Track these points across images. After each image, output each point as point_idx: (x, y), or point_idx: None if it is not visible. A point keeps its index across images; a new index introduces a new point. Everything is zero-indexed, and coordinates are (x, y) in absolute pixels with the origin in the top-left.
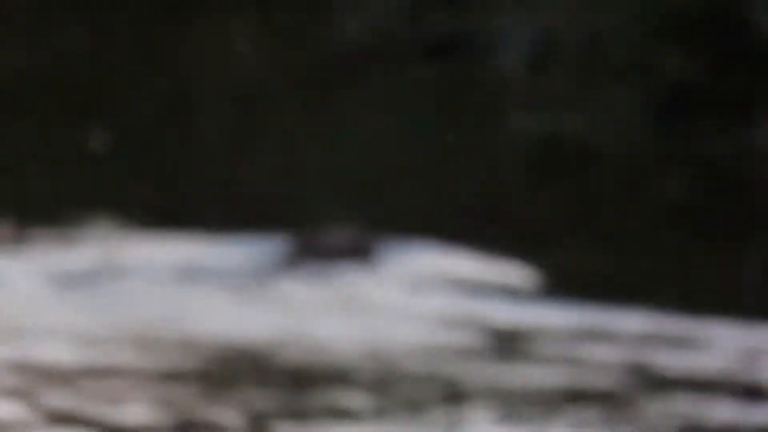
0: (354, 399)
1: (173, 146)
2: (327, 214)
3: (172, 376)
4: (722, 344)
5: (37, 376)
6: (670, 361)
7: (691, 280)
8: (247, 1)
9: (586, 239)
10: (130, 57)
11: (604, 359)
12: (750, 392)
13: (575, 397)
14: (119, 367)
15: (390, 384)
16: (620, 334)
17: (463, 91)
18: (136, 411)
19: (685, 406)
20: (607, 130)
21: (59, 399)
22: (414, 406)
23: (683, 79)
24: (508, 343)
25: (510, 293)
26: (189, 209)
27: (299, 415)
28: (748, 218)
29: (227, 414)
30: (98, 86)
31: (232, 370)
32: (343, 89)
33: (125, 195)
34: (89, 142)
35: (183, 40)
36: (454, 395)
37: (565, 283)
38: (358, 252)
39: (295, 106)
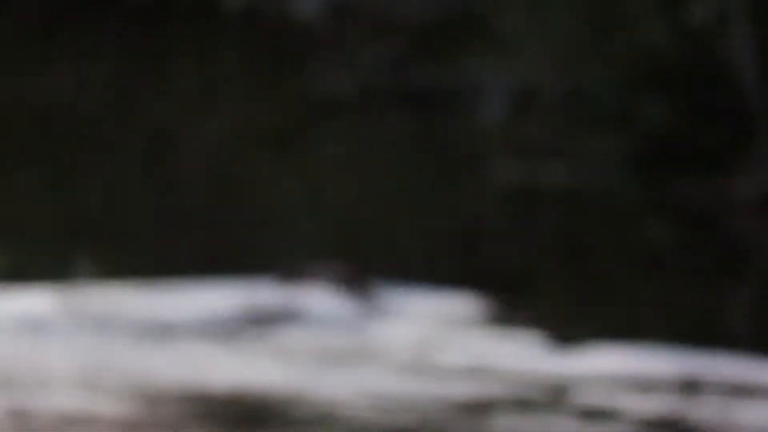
0: None
1: (151, 192)
2: (306, 257)
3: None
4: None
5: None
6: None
7: (674, 318)
8: (227, 49)
9: (568, 281)
10: (109, 103)
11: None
12: None
13: None
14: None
15: None
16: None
17: (443, 141)
18: None
19: None
20: (586, 178)
21: None
22: None
23: (663, 129)
24: (531, 393)
25: (519, 340)
26: (170, 257)
27: None
28: (724, 262)
29: None
30: (75, 129)
31: (238, 423)
32: (323, 138)
33: (103, 242)
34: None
35: (162, 86)
36: None
37: (561, 327)
38: (356, 289)
39: (273, 154)
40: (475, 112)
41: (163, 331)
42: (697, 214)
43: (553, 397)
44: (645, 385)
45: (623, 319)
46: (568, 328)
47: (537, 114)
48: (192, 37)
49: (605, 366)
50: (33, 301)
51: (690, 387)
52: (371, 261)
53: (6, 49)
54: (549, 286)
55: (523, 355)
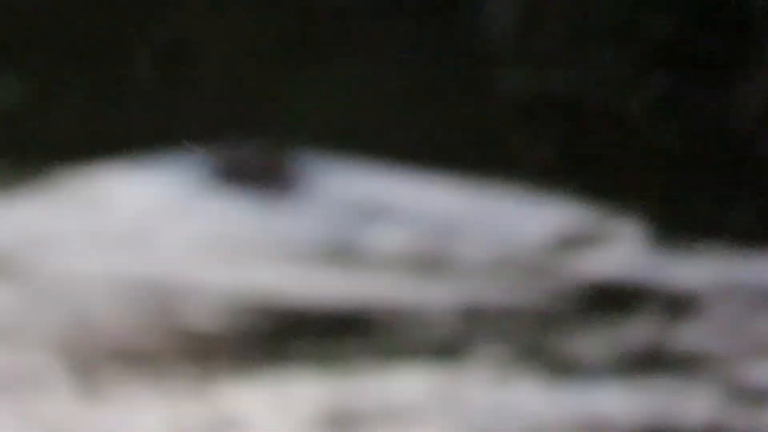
0: None
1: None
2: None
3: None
4: None
5: None
6: None
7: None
8: None
9: (578, 182)
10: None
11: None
12: None
13: None
14: None
15: None
16: None
17: (450, 48)
18: None
19: None
20: (594, 86)
21: None
22: None
23: (668, 37)
24: None
25: None
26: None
27: None
28: (732, 164)
29: None
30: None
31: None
32: (330, 45)
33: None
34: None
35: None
36: None
37: None
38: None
39: (281, 59)
40: (483, 19)
41: None
42: (703, 118)
43: None
44: None
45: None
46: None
47: (543, 23)
48: None
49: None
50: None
51: None
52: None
53: None
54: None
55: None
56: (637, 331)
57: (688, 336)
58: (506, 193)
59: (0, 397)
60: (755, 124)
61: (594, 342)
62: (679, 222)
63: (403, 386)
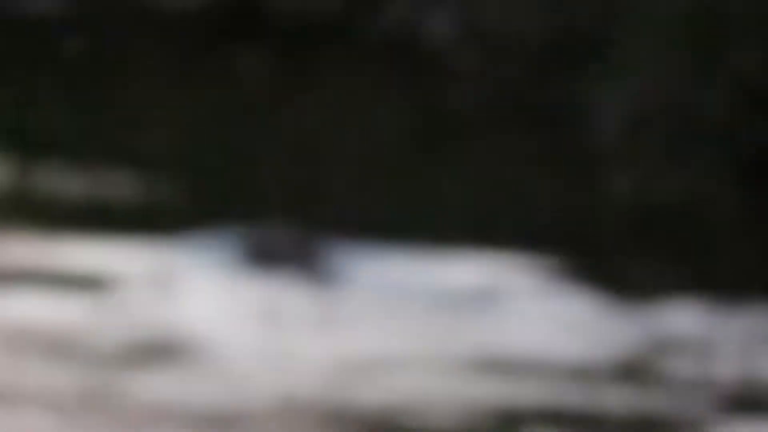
0: None
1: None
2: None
3: None
4: None
5: None
6: None
7: None
8: (366, 70)
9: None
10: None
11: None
12: None
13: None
14: None
15: None
16: None
17: (561, 155)
18: None
19: None
20: (696, 191)
21: None
22: None
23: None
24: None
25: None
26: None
27: None
28: None
29: None
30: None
31: None
32: (453, 145)
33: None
34: None
35: (310, 99)
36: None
37: None
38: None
39: (407, 159)
40: (591, 128)
41: None
42: None
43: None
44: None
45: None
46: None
47: (649, 130)
48: (332, 58)
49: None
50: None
51: None
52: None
53: (170, 69)
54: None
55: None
56: None
57: None
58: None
59: None
60: None
61: None
62: None
63: None
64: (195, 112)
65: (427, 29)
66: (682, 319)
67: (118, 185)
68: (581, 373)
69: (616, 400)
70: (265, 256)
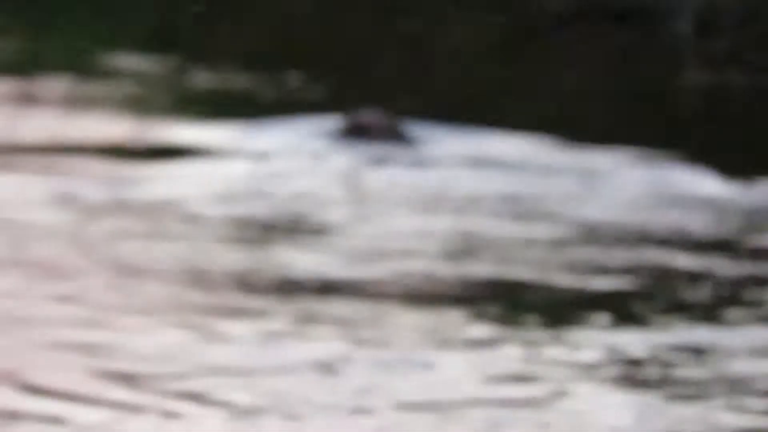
0: None
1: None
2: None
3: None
4: None
5: None
6: None
7: None
8: None
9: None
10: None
11: None
12: None
13: None
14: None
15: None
16: None
17: (642, 50)
18: None
19: None
20: (761, 83)
21: None
22: None
23: None
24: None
25: None
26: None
27: None
28: None
29: None
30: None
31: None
32: (538, 49)
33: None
34: None
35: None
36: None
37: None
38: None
39: (503, 56)
40: (668, 28)
41: None
42: None
43: None
44: None
45: None
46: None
47: (717, 30)
48: None
49: None
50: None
51: None
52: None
53: None
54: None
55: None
56: None
57: None
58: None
59: None
60: None
61: None
62: None
63: None
64: (312, 14)
65: None
66: None
67: (244, 81)
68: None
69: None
70: (360, 132)
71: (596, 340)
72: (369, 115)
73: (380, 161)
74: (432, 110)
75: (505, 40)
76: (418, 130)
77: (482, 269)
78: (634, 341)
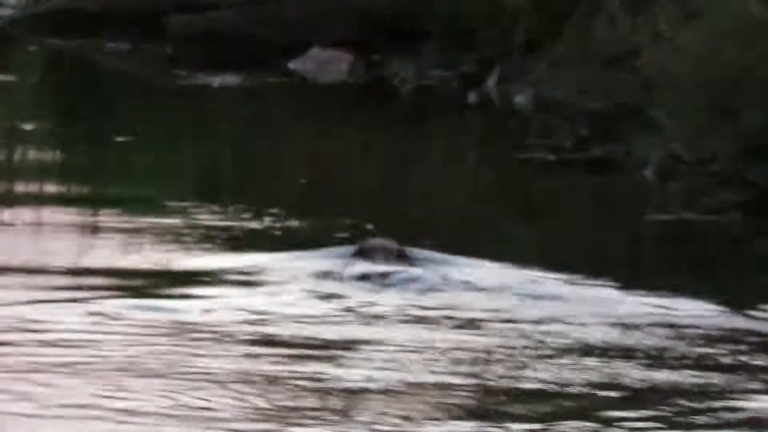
0: None
1: None
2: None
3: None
4: None
5: None
6: None
7: None
8: (469, 128)
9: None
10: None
11: None
12: None
13: None
14: None
15: None
16: None
17: (614, 193)
18: None
19: None
20: (713, 220)
21: None
22: None
23: None
24: None
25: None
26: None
27: None
28: None
29: None
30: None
31: None
32: (531, 189)
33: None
34: None
35: (422, 152)
36: None
37: None
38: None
39: (494, 198)
40: (636, 174)
41: None
42: None
43: None
44: None
45: None
46: None
47: (678, 175)
48: (441, 120)
49: None
50: None
51: None
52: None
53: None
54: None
55: None
56: None
57: None
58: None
59: None
60: None
61: None
62: None
63: None
64: (335, 160)
65: (515, 100)
66: None
67: (271, 216)
68: None
69: None
70: (369, 257)
71: None
72: (379, 242)
73: (387, 282)
74: (436, 241)
75: (495, 185)
76: (423, 255)
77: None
78: None
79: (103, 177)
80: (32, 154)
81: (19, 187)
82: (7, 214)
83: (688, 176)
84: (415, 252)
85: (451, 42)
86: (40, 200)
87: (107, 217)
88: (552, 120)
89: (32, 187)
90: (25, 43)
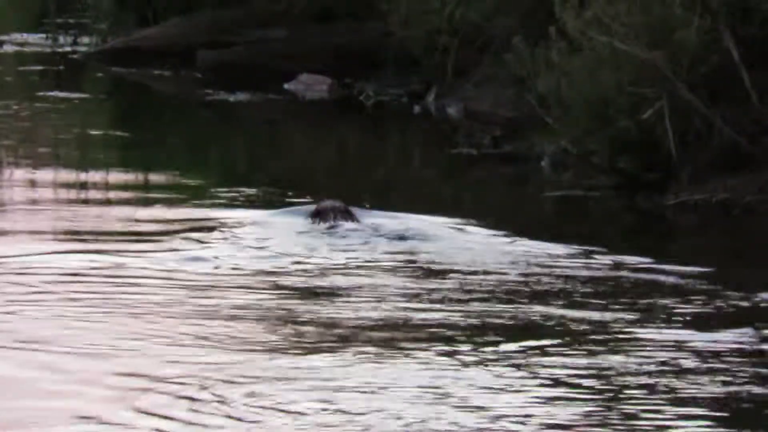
0: None
1: None
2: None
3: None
4: None
5: None
6: None
7: None
8: (412, 132)
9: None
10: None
11: None
12: None
13: None
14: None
15: None
16: None
17: (519, 179)
18: None
19: None
20: (593, 194)
21: None
22: None
23: (631, 171)
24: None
25: None
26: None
27: None
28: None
29: None
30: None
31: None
32: (459, 178)
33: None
34: None
35: (375, 151)
36: None
37: None
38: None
39: (428, 188)
40: (537, 164)
41: None
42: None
43: None
44: None
45: None
46: None
47: (569, 166)
48: (395, 125)
49: None
50: None
51: None
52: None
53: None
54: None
55: None
56: None
57: None
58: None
59: None
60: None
61: None
62: None
63: None
64: (313, 151)
65: (448, 111)
66: None
67: (262, 192)
68: None
69: None
70: (323, 216)
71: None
72: (330, 203)
73: (336, 233)
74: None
75: (430, 175)
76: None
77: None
78: None
79: (154, 165)
80: (100, 151)
81: (93, 177)
82: (83, 195)
83: (574, 166)
84: (358, 210)
85: (402, 68)
86: (107, 186)
87: (157, 193)
88: (475, 126)
89: (101, 176)
90: (95, 70)
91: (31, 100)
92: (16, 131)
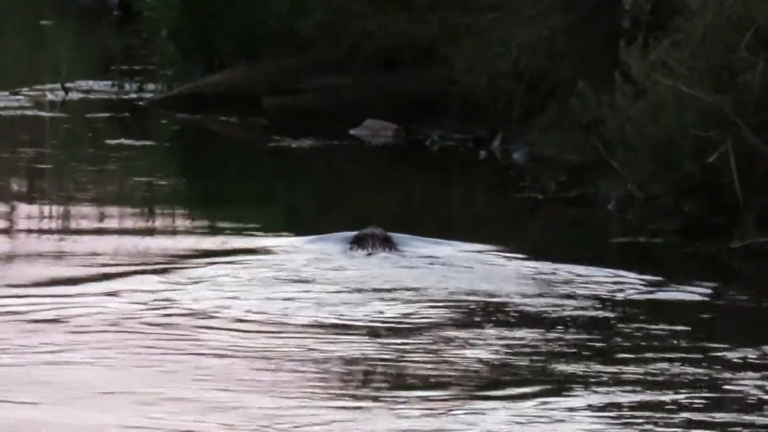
0: None
1: None
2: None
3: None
4: None
5: None
6: None
7: None
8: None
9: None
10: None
11: None
12: None
13: None
14: None
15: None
16: None
17: (587, 222)
18: None
19: None
20: (659, 244)
21: None
22: None
23: (700, 220)
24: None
25: None
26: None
27: None
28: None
29: None
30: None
31: None
32: (511, 218)
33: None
34: None
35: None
36: None
37: None
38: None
39: (465, 221)
40: (603, 208)
41: None
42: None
43: None
44: None
45: None
46: None
47: (633, 209)
48: (460, 169)
49: None
50: None
51: None
52: None
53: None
54: None
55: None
56: None
57: None
58: None
59: None
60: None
61: None
62: None
63: None
64: (379, 194)
65: (511, 156)
66: None
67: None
68: None
69: None
70: (363, 244)
71: None
72: (371, 230)
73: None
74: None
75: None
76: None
77: None
78: None
79: (220, 209)
80: (166, 198)
81: (159, 222)
82: (145, 241)
83: (640, 209)
84: (401, 236)
85: (466, 114)
86: (173, 229)
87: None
88: (540, 170)
89: (167, 220)
90: (160, 117)
91: (98, 148)
92: (82, 180)
